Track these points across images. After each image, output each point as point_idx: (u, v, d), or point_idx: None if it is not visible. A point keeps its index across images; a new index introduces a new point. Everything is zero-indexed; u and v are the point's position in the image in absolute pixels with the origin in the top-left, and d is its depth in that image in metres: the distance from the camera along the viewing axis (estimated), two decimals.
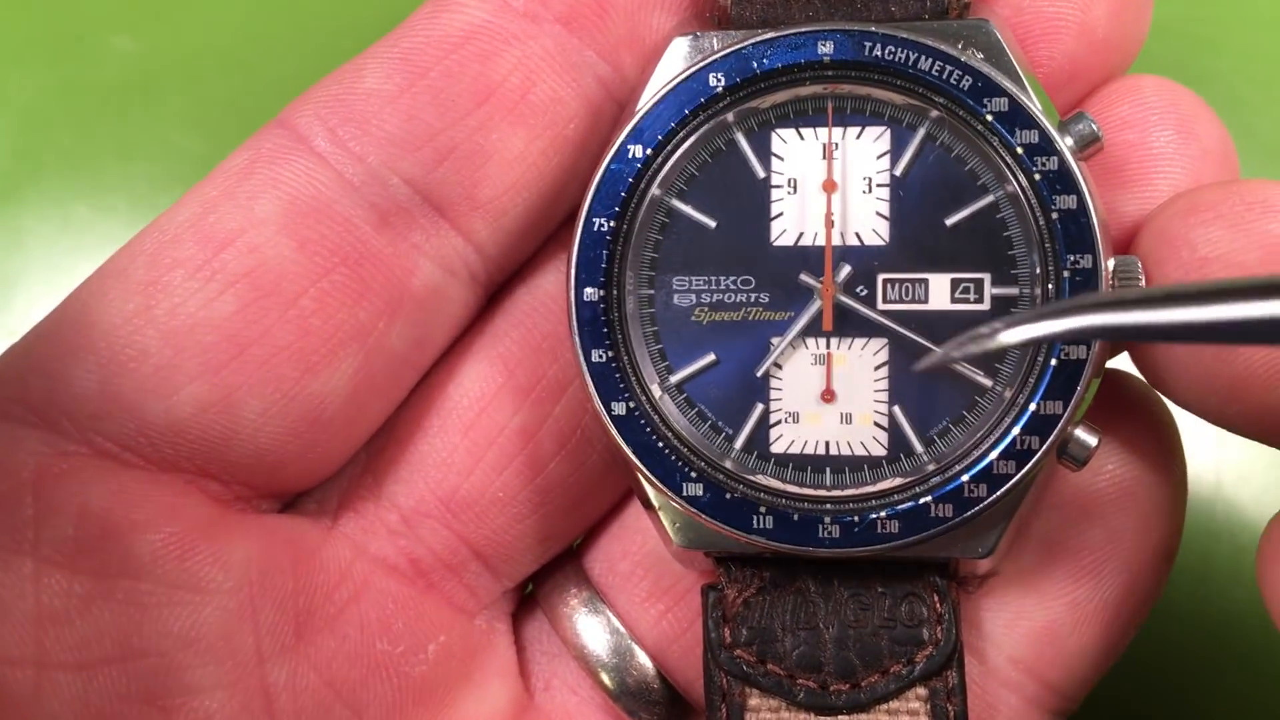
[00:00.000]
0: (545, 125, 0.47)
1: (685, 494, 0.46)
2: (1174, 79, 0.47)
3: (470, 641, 0.51)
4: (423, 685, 0.49)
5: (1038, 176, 0.44)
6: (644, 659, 0.51)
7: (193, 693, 0.44)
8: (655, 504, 0.47)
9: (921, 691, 0.46)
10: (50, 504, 0.44)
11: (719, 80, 0.46)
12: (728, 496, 0.46)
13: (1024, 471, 0.44)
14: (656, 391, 0.47)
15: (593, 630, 0.51)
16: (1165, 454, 0.48)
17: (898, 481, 0.46)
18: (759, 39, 0.46)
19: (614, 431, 0.47)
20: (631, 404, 0.46)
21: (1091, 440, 0.45)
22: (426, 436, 0.50)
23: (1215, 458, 0.49)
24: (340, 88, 0.47)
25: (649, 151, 0.46)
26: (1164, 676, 0.56)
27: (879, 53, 0.45)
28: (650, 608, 0.51)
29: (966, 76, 0.44)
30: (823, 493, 0.46)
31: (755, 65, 0.46)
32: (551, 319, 0.50)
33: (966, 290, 0.46)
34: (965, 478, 0.45)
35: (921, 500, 0.45)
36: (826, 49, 0.45)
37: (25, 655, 0.43)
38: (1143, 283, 0.44)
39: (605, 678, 0.51)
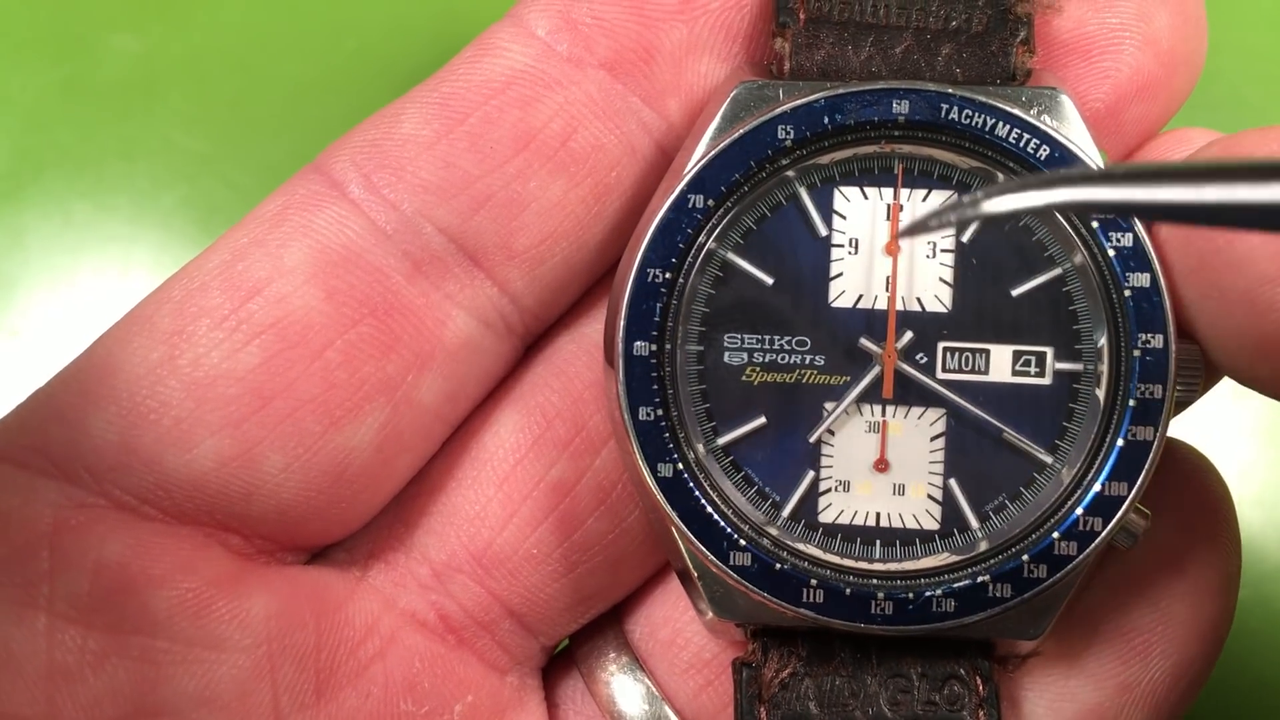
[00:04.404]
0: (586, 173, 0.46)
1: (733, 563, 0.44)
2: None
3: (500, 701, 0.48)
4: None
5: (1111, 252, 0.43)
6: None
7: None
8: (695, 573, 0.45)
9: None
10: (66, 557, 0.42)
11: (788, 133, 0.44)
12: (777, 567, 0.44)
13: (1085, 553, 0.43)
14: (701, 454, 0.45)
15: (631, 698, 0.49)
16: (1217, 531, 0.46)
17: (954, 558, 0.44)
18: (832, 93, 0.44)
19: (659, 495, 0.44)
20: (679, 466, 0.44)
21: (1141, 522, 0.44)
22: (460, 488, 0.48)
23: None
24: (377, 133, 0.46)
25: (710, 202, 0.44)
26: None
27: (955, 115, 0.44)
28: (689, 679, 0.48)
29: (1044, 145, 0.43)
30: (877, 566, 0.44)
31: (827, 120, 0.44)
32: (595, 367, 0.48)
33: (1028, 363, 0.45)
34: (1025, 557, 0.43)
35: (979, 579, 0.44)
36: (901, 108, 0.44)
37: (36, 712, 0.41)
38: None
39: None
